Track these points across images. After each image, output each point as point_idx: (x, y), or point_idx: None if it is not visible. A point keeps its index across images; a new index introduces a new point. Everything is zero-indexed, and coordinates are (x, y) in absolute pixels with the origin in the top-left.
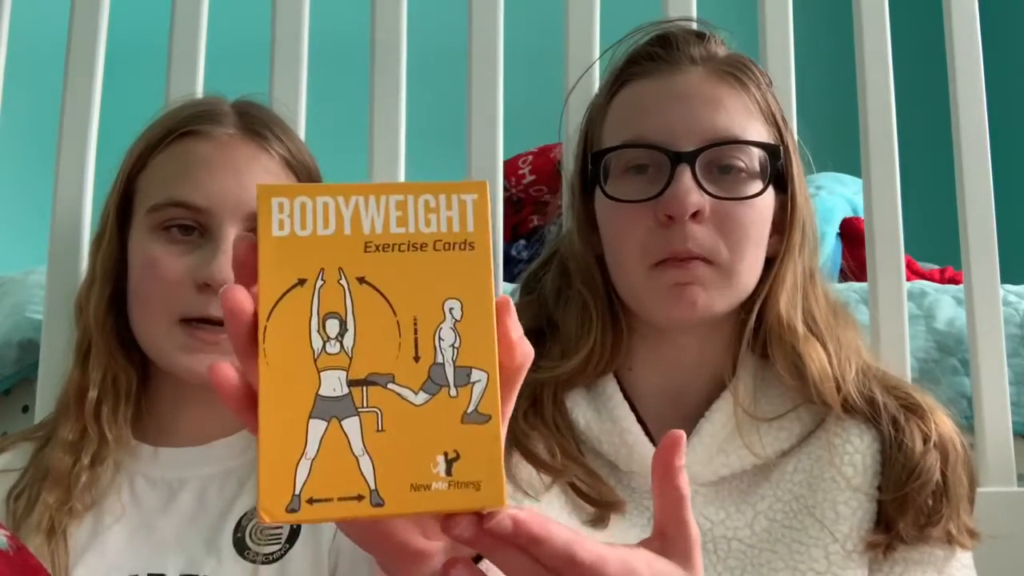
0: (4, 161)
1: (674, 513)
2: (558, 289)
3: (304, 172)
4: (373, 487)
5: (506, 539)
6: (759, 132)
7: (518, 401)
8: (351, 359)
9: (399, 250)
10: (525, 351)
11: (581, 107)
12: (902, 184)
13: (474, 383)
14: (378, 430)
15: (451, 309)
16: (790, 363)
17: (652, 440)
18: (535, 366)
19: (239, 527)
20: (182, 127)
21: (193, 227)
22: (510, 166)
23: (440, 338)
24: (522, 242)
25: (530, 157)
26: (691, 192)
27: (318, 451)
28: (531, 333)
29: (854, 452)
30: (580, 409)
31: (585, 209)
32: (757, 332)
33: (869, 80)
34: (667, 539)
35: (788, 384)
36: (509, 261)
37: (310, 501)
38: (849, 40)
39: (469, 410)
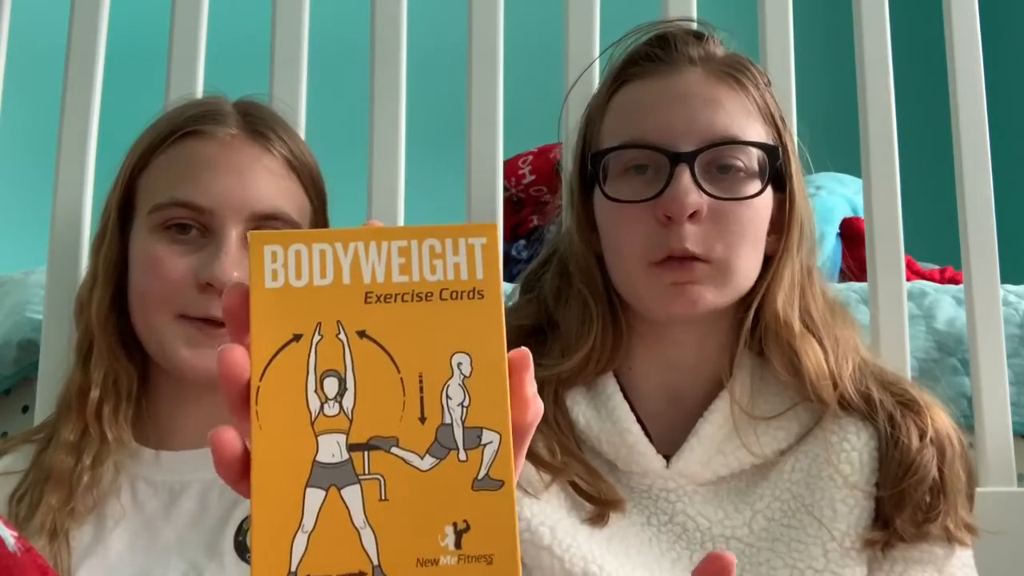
0: (4, 161)
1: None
2: (558, 288)
3: (306, 172)
4: (376, 563)
5: None
6: (758, 132)
7: None
8: (351, 421)
9: (402, 300)
10: (537, 409)
11: (581, 107)
12: (902, 184)
13: (485, 445)
14: (381, 499)
15: (459, 364)
16: (786, 360)
17: (651, 439)
18: (536, 364)
19: (240, 530)
20: (185, 127)
21: (195, 227)
22: (510, 166)
23: (448, 396)
24: (522, 242)
25: (530, 157)
26: (690, 192)
27: (316, 523)
28: (531, 332)
29: (851, 450)
30: (580, 408)
31: (584, 208)
32: (754, 330)
33: (869, 80)
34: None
35: (785, 381)
36: (509, 261)
37: None
38: (849, 40)
39: (480, 476)
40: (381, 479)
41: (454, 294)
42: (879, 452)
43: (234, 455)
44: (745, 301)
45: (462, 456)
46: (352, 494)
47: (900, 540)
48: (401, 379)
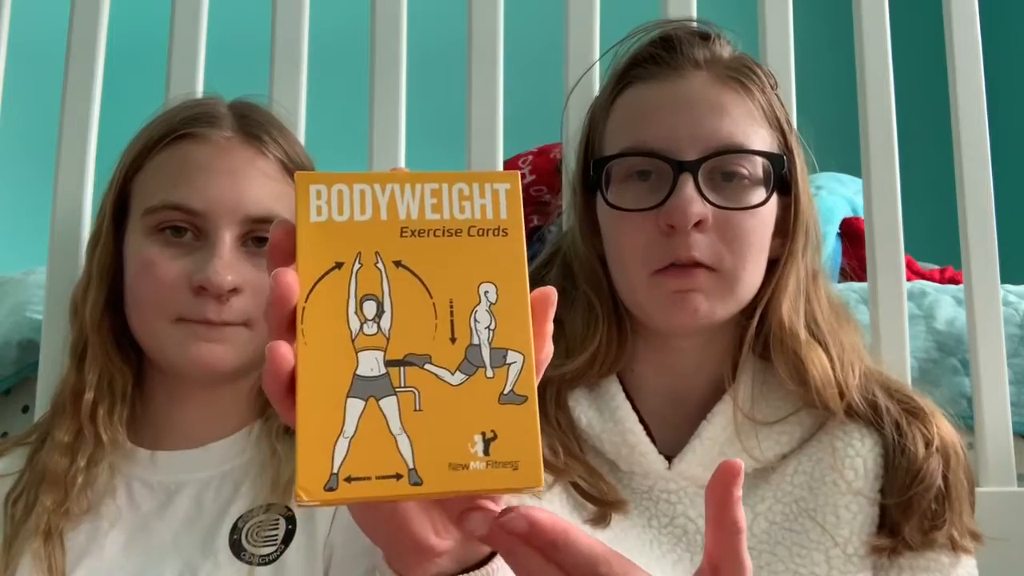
0: (4, 161)
1: (730, 547)
2: (562, 288)
3: None
4: (412, 466)
5: (521, 538)
6: (763, 138)
7: None
8: (388, 340)
9: (435, 235)
10: (550, 349)
11: (581, 107)
12: (902, 184)
13: (510, 364)
14: (416, 410)
15: (486, 292)
16: (792, 368)
17: (653, 441)
18: None
19: (235, 529)
20: (179, 129)
21: (189, 230)
22: (510, 166)
23: (476, 320)
24: None
25: (530, 157)
26: (694, 202)
27: (356, 430)
28: None
29: (856, 456)
30: (582, 408)
31: (587, 211)
32: (759, 335)
33: (869, 80)
34: (720, 573)
35: (790, 388)
36: None
37: (348, 479)
38: (849, 40)
39: (506, 391)
40: (416, 392)
41: (481, 231)
42: (884, 459)
43: (286, 367)
44: (749, 307)
45: (489, 373)
46: (389, 405)
47: (907, 548)
48: (433, 304)
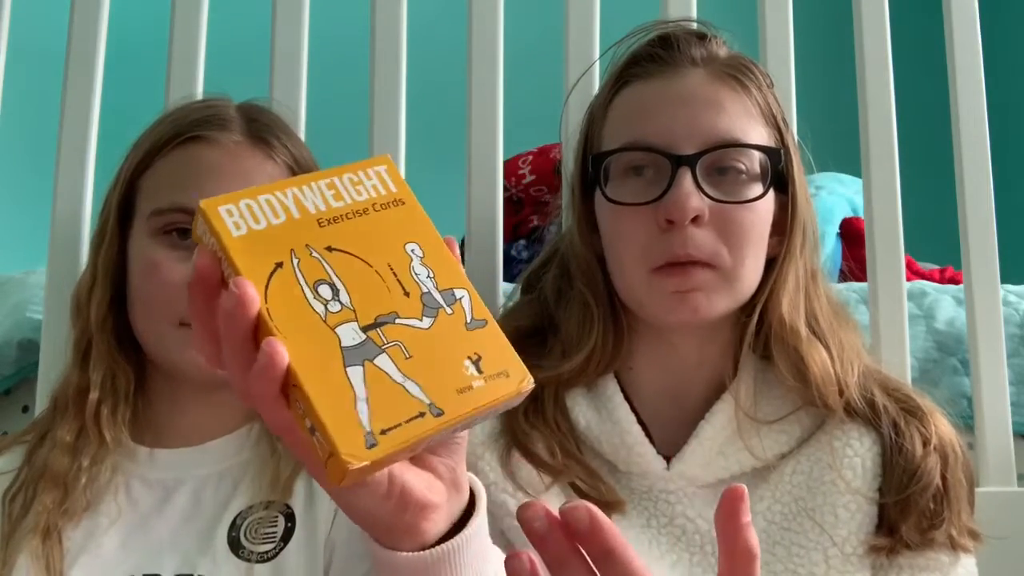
0: (4, 161)
1: (745, 573)
2: (559, 289)
3: None
4: (428, 402)
5: (577, 533)
6: (760, 134)
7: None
8: (354, 311)
9: (347, 219)
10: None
11: (581, 107)
12: (902, 184)
13: (460, 299)
14: (407, 358)
15: (412, 250)
16: (792, 365)
17: (652, 441)
18: (536, 366)
19: (234, 526)
20: (189, 131)
21: None
22: (510, 166)
23: (416, 273)
24: (522, 242)
25: (530, 157)
26: (692, 196)
27: (367, 391)
28: (531, 332)
29: (854, 455)
30: (580, 409)
31: (585, 209)
32: (758, 333)
33: (869, 80)
34: None
35: (790, 386)
36: (509, 261)
37: (383, 432)
38: (849, 40)
39: (468, 320)
40: (400, 344)
41: (383, 205)
42: (883, 458)
43: (284, 362)
44: (748, 305)
45: (448, 311)
46: (383, 360)
47: (906, 547)
48: (376, 271)
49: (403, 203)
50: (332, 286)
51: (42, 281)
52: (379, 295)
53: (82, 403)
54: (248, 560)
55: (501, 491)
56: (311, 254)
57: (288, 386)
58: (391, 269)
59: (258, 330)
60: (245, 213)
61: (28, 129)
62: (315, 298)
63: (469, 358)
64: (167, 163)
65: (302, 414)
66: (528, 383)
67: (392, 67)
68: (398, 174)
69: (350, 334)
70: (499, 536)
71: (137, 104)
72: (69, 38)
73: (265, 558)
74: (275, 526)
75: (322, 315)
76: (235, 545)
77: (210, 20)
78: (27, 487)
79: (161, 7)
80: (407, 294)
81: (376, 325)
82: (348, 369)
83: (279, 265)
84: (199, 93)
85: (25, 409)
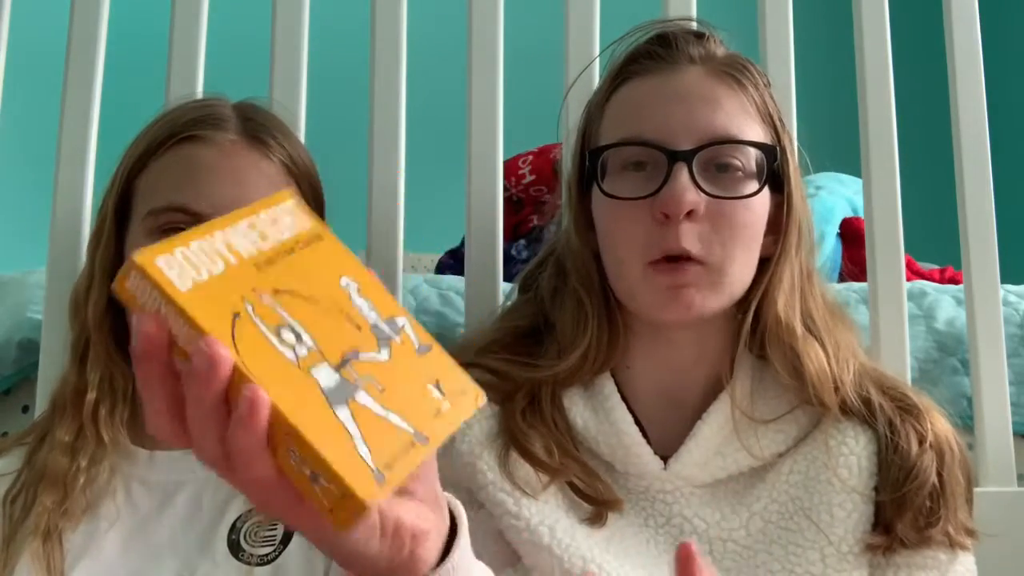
0: (4, 161)
1: None
2: (554, 288)
3: (304, 177)
4: (413, 431)
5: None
6: (756, 132)
7: (517, 400)
8: (321, 352)
9: (280, 259)
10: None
11: (580, 106)
12: (902, 184)
13: (403, 327)
14: (381, 391)
15: (347, 284)
16: (788, 363)
17: (648, 441)
18: (533, 365)
19: (233, 529)
20: (184, 131)
21: None
22: (510, 166)
23: (358, 306)
24: (522, 242)
25: (530, 157)
26: (687, 191)
27: (359, 430)
28: (528, 332)
29: (850, 454)
30: (577, 409)
31: (582, 206)
32: (755, 332)
33: (869, 80)
34: None
35: (786, 384)
36: (509, 261)
37: (387, 466)
38: (849, 40)
39: (417, 346)
40: (371, 378)
41: (305, 243)
42: (879, 457)
43: (268, 407)
44: (744, 303)
45: (397, 340)
46: (363, 397)
47: (902, 545)
48: (325, 310)
49: (322, 238)
50: (292, 329)
51: (42, 281)
52: (337, 333)
53: (80, 403)
54: (248, 563)
55: (499, 490)
56: (262, 300)
57: (275, 438)
58: (337, 306)
59: (229, 388)
60: (183, 263)
61: (28, 129)
62: (282, 344)
63: (431, 383)
64: (163, 163)
65: (298, 463)
66: (482, 397)
67: (392, 67)
68: (306, 208)
69: (326, 375)
70: (499, 536)
71: (137, 104)
72: (69, 38)
73: (265, 561)
74: (275, 529)
75: (294, 360)
76: (235, 548)
77: (210, 19)
78: (27, 489)
79: (161, 7)
80: (359, 328)
81: (344, 363)
82: (336, 410)
83: (236, 315)
84: (199, 93)
85: (25, 409)
